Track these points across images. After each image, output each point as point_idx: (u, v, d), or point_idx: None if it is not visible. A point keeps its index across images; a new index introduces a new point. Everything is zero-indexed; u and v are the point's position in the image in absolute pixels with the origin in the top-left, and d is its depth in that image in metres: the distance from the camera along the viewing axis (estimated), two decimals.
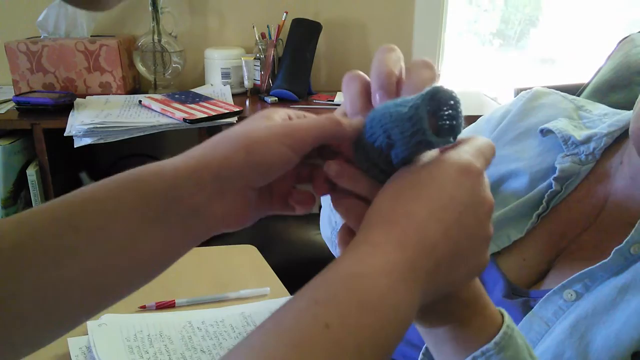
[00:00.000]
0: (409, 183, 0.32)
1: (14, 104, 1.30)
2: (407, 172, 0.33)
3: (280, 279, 0.78)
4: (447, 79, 1.81)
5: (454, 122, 0.33)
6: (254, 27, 1.55)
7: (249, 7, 1.64)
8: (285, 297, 0.72)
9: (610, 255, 0.48)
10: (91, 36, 1.48)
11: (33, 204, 1.29)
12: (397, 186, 0.32)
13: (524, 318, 0.51)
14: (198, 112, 1.27)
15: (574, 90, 0.93)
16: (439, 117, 0.33)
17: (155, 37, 1.49)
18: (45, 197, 1.29)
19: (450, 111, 0.33)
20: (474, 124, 0.72)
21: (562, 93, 0.69)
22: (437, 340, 0.39)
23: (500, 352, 0.36)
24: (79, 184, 1.38)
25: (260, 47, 1.55)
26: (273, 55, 1.54)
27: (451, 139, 0.33)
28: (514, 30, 1.93)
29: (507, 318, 0.38)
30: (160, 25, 1.50)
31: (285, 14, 1.54)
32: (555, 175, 0.57)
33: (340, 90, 1.73)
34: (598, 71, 0.99)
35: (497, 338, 0.36)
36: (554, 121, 0.62)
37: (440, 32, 1.75)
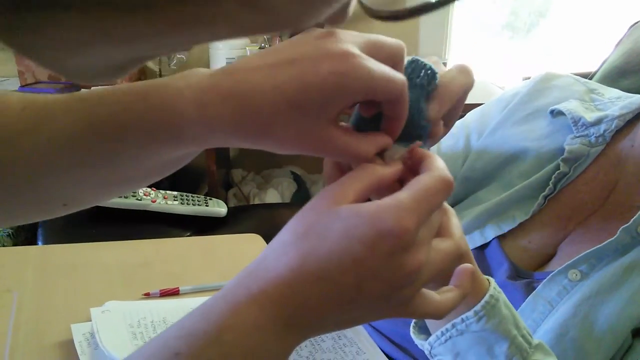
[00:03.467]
0: (319, 230, 0.28)
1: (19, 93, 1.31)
2: (327, 214, 0.28)
3: None
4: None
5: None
6: None
7: None
8: None
9: (617, 234, 0.48)
10: None
11: None
12: (305, 230, 0.28)
13: (528, 298, 0.50)
14: None
15: (584, 77, 0.92)
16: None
17: None
18: None
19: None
20: (484, 104, 0.71)
21: (575, 76, 0.68)
22: None
23: (480, 320, 0.37)
24: None
25: (265, 37, 1.55)
26: None
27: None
28: (523, 21, 1.90)
29: (493, 287, 0.38)
30: None
31: None
32: (563, 157, 0.56)
33: None
34: (608, 57, 0.97)
35: (477, 307, 0.37)
36: (565, 102, 0.61)
37: (447, 22, 1.73)
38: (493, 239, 0.57)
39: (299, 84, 0.28)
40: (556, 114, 0.61)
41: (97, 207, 0.93)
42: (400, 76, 0.30)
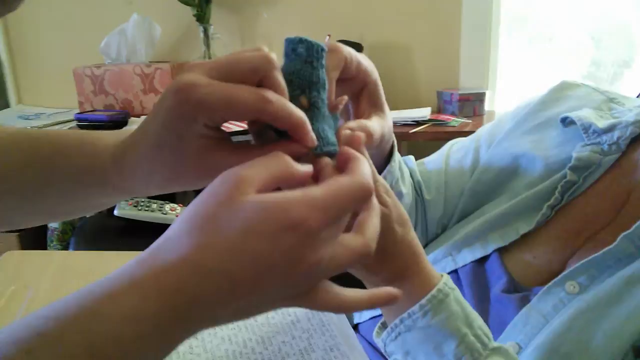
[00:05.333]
0: (220, 223, 0.26)
1: (76, 121, 1.43)
2: (229, 206, 0.26)
3: None
4: (504, 104, 1.75)
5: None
6: None
7: (296, 32, 1.69)
8: None
9: (617, 241, 0.44)
10: (149, 62, 1.60)
11: None
12: (203, 220, 0.26)
13: (521, 311, 0.47)
14: (235, 126, 1.32)
15: None
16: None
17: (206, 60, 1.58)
18: None
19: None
20: (500, 116, 0.69)
21: (595, 86, 0.64)
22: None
23: (426, 315, 0.35)
24: None
25: None
26: None
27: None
28: (606, 72, 1.82)
29: (443, 283, 0.36)
30: (211, 50, 1.59)
31: (328, 37, 1.58)
32: (570, 164, 0.53)
33: None
34: None
35: (423, 301, 0.35)
36: (577, 111, 0.58)
37: (487, 60, 1.71)
38: (494, 251, 0.54)
39: (156, 127, 0.31)
40: (568, 123, 0.58)
41: (126, 219, 0.98)
42: (255, 95, 0.29)
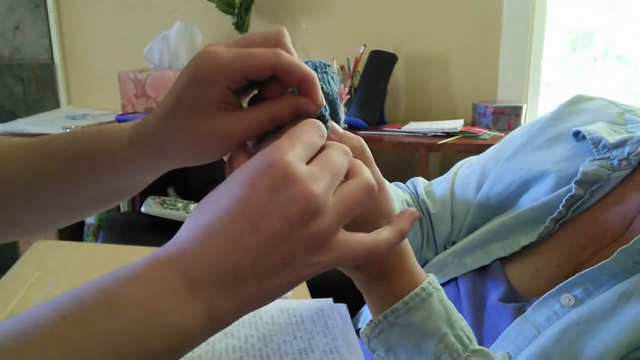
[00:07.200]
0: (213, 193, 0.29)
1: (116, 122, 1.50)
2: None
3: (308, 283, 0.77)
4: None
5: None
6: (333, 60, 1.62)
7: (333, 43, 1.73)
8: (304, 299, 0.71)
9: (614, 255, 0.42)
10: None
11: (121, 209, 1.44)
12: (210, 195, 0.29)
13: (514, 322, 0.46)
14: None
15: None
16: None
17: None
18: (132, 203, 1.44)
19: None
20: (510, 133, 0.68)
21: (612, 99, 0.62)
22: (363, 288, 0.39)
23: (409, 312, 0.35)
24: (165, 195, 1.52)
25: None
26: (350, 86, 1.59)
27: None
28: None
29: (427, 282, 0.36)
30: None
31: (363, 47, 1.60)
32: (576, 179, 0.51)
33: (413, 120, 1.69)
34: None
35: (406, 298, 0.35)
36: (590, 125, 0.56)
37: (527, 74, 1.67)
38: (495, 260, 0.53)
39: (174, 94, 0.33)
40: (581, 137, 0.56)
41: (153, 217, 1.02)
42: (269, 50, 0.31)
